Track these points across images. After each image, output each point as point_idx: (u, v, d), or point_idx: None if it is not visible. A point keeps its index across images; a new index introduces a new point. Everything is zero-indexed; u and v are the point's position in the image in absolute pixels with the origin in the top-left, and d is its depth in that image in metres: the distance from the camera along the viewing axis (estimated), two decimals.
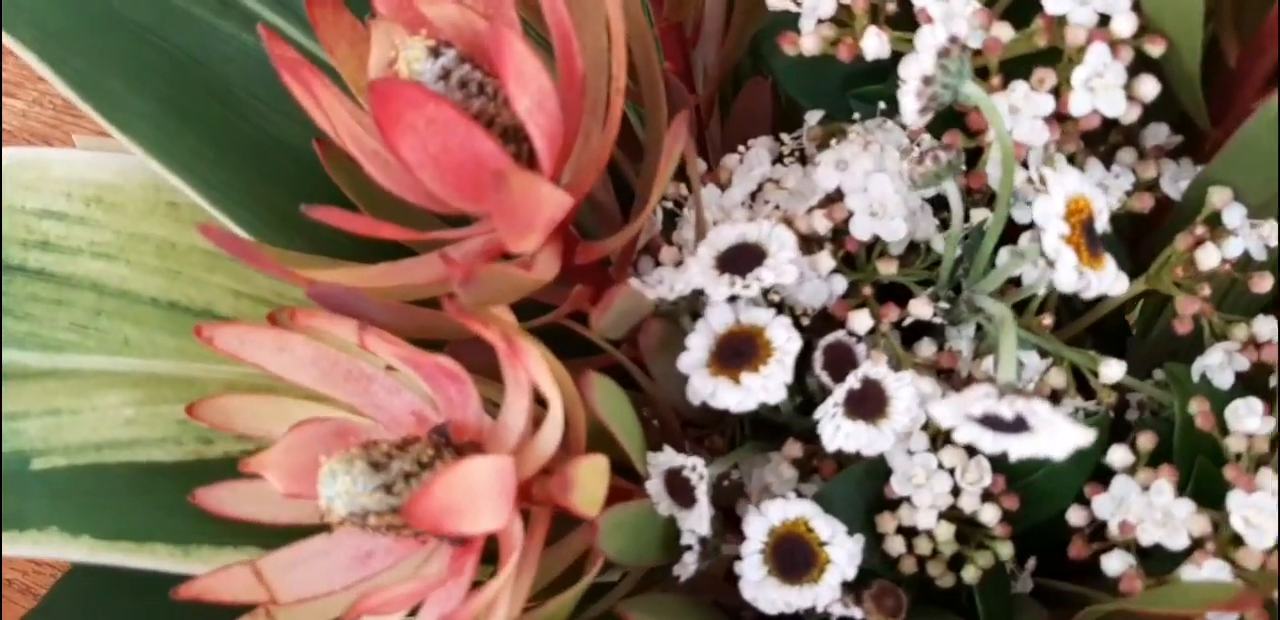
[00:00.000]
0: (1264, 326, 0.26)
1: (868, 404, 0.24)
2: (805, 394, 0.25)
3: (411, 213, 0.24)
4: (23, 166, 0.25)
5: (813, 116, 0.28)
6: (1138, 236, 0.27)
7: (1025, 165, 0.24)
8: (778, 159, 0.28)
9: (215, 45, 0.27)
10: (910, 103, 0.22)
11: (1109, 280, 0.22)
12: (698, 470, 0.24)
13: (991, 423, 0.20)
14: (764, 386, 0.23)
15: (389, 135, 0.21)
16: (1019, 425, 0.19)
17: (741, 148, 0.28)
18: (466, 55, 0.23)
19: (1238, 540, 0.23)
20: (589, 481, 0.22)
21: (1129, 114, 0.24)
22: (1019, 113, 0.24)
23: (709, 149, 0.30)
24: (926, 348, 0.26)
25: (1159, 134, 0.27)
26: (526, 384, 0.21)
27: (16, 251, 0.25)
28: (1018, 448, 0.20)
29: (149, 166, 0.25)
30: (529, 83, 0.22)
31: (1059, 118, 0.24)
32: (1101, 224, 0.22)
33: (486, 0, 0.24)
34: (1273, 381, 0.25)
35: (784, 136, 0.28)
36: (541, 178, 0.22)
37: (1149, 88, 0.24)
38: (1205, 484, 0.24)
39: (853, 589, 0.24)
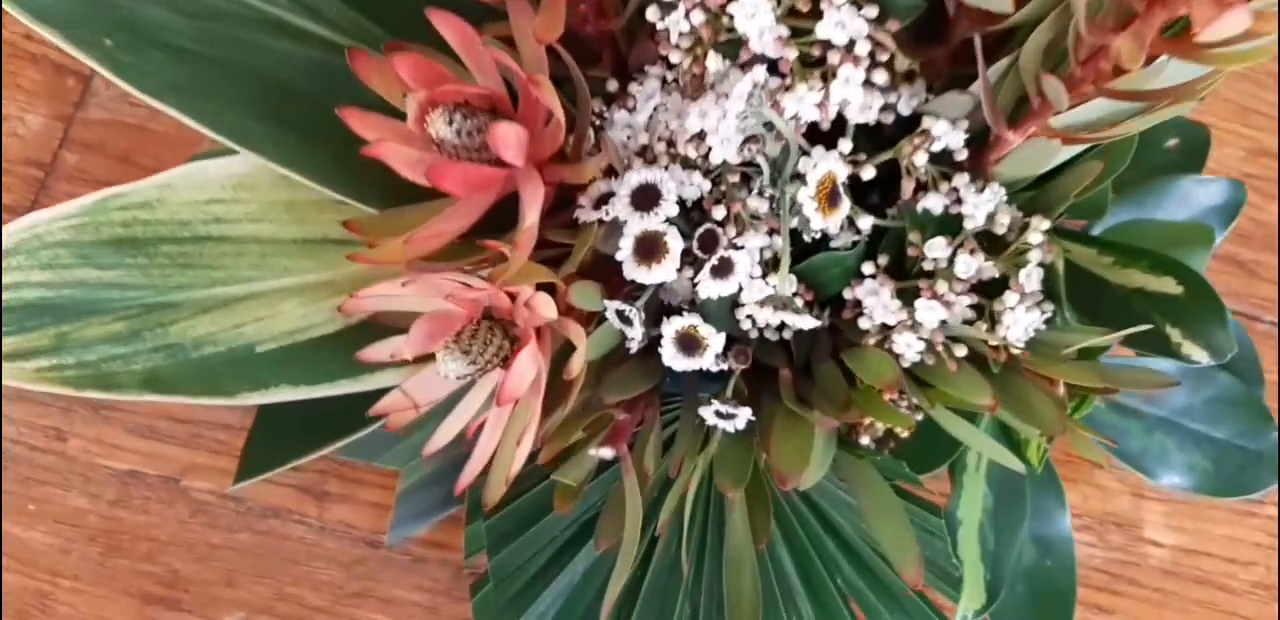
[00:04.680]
0: (960, 181, 0.43)
1: (722, 270, 0.42)
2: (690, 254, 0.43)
3: None
4: (188, 174, 0.40)
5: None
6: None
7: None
8: (663, 82, 0.43)
9: (283, 61, 0.40)
10: (731, 128, 0.38)
11: (839, 219, 0.39)
12: (634, 308, 0.42)
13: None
14: (665, 272, 0.41)
15: (439, 182, 0.37)
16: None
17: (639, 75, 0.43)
18: (468, 109, 0.37)
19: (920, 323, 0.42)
20: (577, 336, 0.40)
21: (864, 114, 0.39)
22: (802, 101, 0.39)
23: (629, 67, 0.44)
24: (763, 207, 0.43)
25: (902, 64, 0.41)
26: (538, 316, 0.39)
27: (201, 227, 0.41)
28: (789, 321, 0.39)
29: (264, 162, 0.40)
30: (510, 144, 0.37)
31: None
32: (842, 178, 0.39)
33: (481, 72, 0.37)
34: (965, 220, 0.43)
35: (666, 74, 0.42)
36: (521, 170, 0.38)
37: (881, 78, 0.39)
38: (909, 290, 0.43)
39: (723, 354, 0.44)
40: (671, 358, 0.44)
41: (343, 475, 0.59)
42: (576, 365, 0.39)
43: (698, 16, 0.38)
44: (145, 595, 0.58)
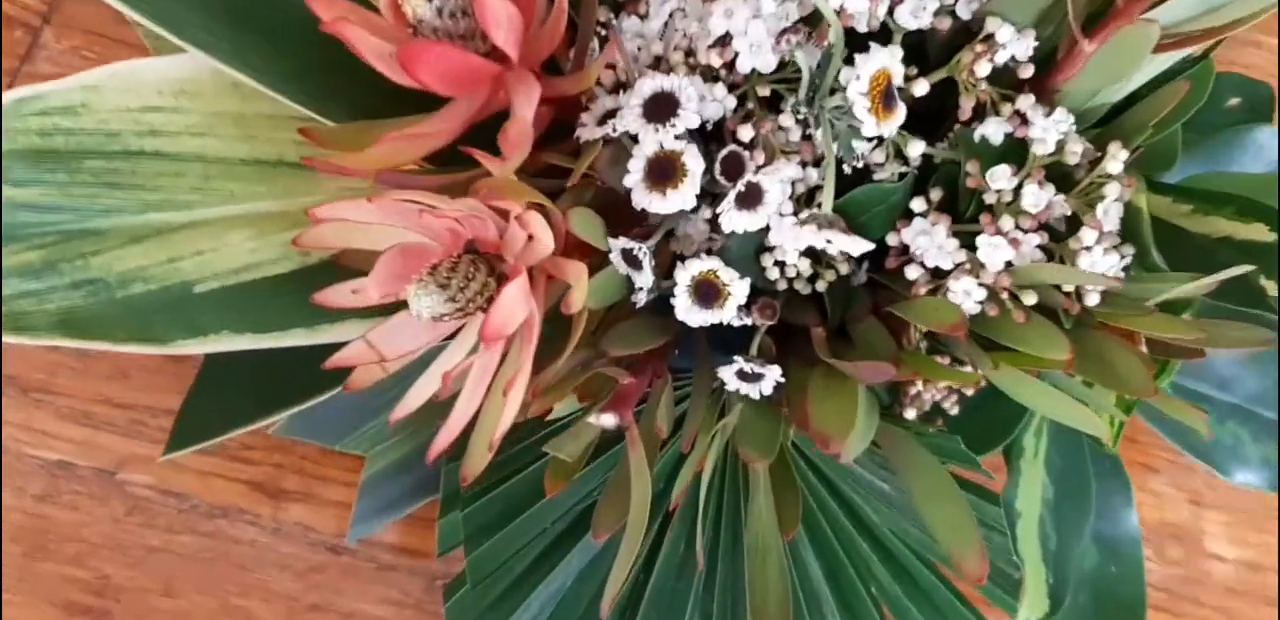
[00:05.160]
0: (1025, 102, 0.37)
1: (750, 199, 0.35)
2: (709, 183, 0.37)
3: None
4: (117, 76, 0.34)
5: None
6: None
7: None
8: None
9: None
10: (762, 31, 0.32)
11: (895, 125, 0.33)
12: (643, 249, 0.36)
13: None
14: (682, 199, 0.35)
15: (413, 68, 0.31)
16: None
17: None
18: None
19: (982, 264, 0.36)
20: (577, 275, 0.34)
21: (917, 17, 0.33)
22: None
23: None
24: (795, 134, 0.37)
25: None
26: (531, 250, 0.32)
27: (134, 140, 0.34)
28: (836, 244, 0.32)
29: (211, 63, 0.33)
30: (501, 22, 0.31)
31: None
32: (898, 80, 0.33)
33: None
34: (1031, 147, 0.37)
35: None
36: (514, 69, 0.32)
37: None
38: (968, 228, 0.36)
39: (746, 307, 0.37)
40: (686, 310, 0.37)
41: (301, 470, 0.52)
42: (577, 300, 0.32)
43: None
44: (69, 605, 0.50)
